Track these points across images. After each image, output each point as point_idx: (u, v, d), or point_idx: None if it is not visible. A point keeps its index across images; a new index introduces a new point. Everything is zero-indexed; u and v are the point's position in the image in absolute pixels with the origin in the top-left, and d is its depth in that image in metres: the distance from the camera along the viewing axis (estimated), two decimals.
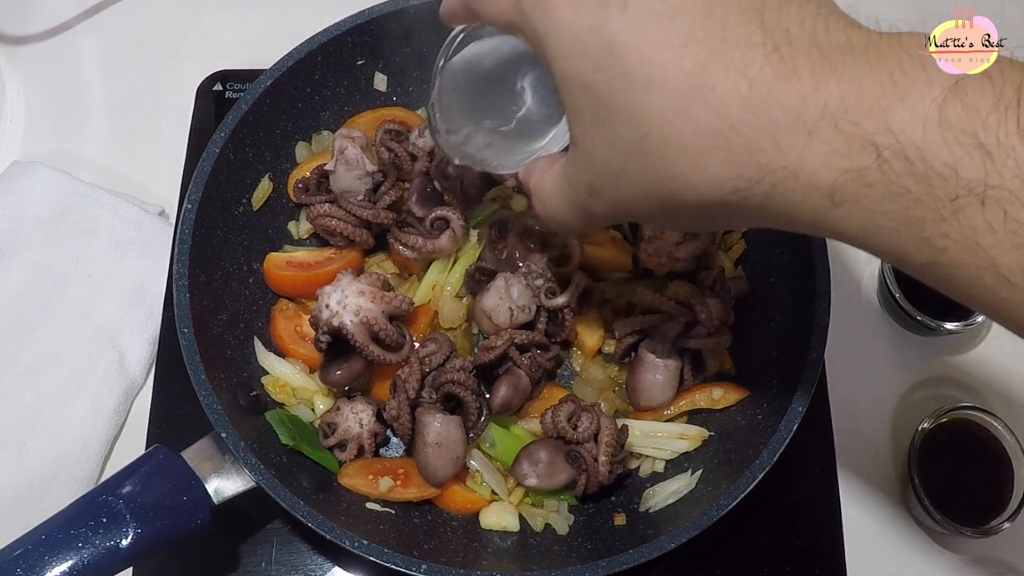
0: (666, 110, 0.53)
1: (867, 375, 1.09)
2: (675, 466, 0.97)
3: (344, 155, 1.00)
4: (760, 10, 0.52)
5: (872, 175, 0.48)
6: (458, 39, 0.76)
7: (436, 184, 1.04)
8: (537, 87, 0.73)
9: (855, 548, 0.98)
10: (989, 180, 0.46)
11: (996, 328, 1.12)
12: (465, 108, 0.79)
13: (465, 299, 1.00)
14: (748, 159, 0.51)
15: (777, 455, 0.85)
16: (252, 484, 0.85)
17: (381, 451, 0.98)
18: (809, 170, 0.50)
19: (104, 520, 0.77)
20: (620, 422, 0.94)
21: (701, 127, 0.52)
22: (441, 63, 0.76)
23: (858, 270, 1.15)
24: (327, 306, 0.91)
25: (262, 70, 1.02)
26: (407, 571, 0.82)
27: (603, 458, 0.90)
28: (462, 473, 0.95)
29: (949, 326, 1.04)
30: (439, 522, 0.94)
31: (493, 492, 0.95)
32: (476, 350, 0.99)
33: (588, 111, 0.57)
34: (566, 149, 0.65)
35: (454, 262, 1.02)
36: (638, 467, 0.98)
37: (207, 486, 0.84)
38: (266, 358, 0.99)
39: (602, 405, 0.97)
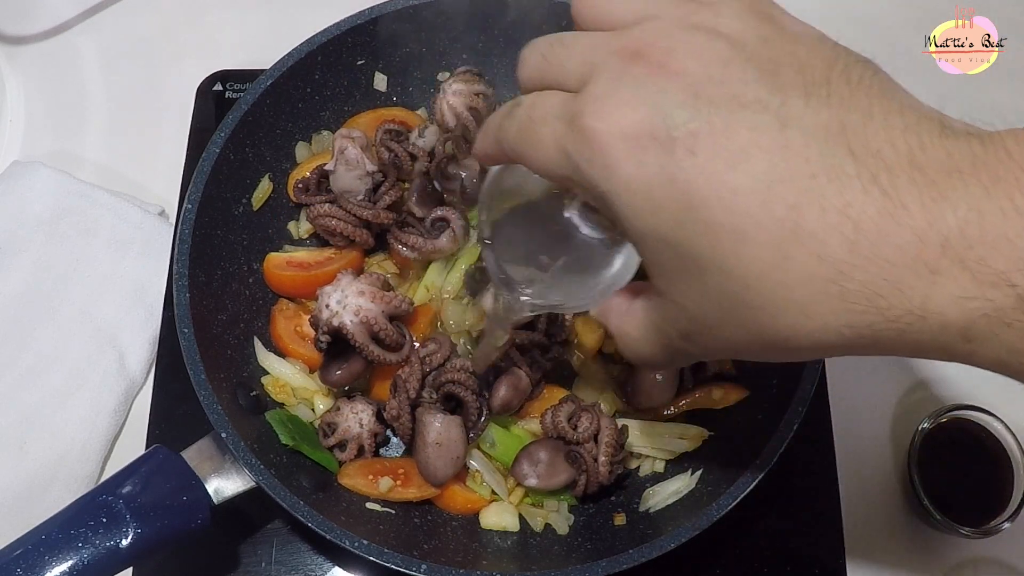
0: (763, 261, 0.48)
1: (867, 375, 1.09)
2: (675, 466, 0.97)
3: (344, 155, 1.00)
4: (842, 132, 0.47)
5: (1010, 315, 0.45)
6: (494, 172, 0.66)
7: (436, 184, 1.04)
8: (587, 210, 0.63)
9: (855, 548, 0.98)
10: None
11: None
12: (516, 249, 0.69)
13: (466, 300, 1.00)
14: (865, 305, 0.46)
15: (777, 455, 0.85)
16: (252, 484, 0.85)
17: (381, 451, 0.98)
18: (937, 311, 0.46)
19: (104, 520, 0.77)
20: (620, 422, 0.94)
21: (806, 275, 0.47)
22: (486, 204, 0.67)
23: None
24: (327, 306, 0.91)
25: (262, 70, 1.02)
26: (407, 571, 0.81)
27: (603, 458, 0.90)
28: (462, 473, 0.95)
29: None
30: (439, 522, 0.94)
31: (493, 492, 0.95)
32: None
33: (673, 266, 0.52)
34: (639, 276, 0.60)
35: (454, 263, 1.02)
36: (638, 467, 0.98)
37: (207, 486, 0.84)
38: (266, 358, 0.99)
39: (602, 405, 0.97)
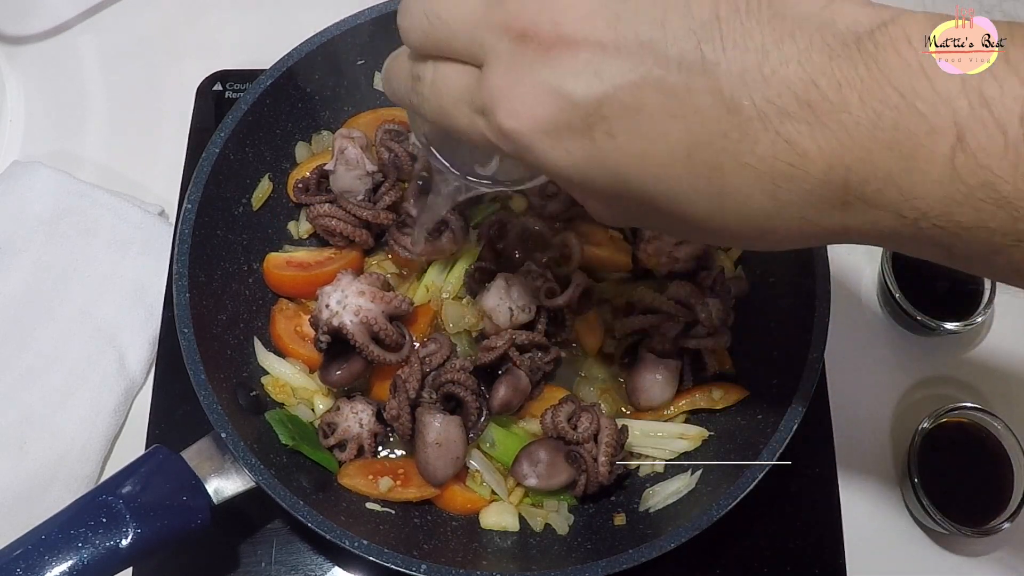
0: (699, 214, 0.53)
1: (867, 375, 1.09)
2: (675, 466, 0.97)
3: (344, 155, 1.00)
4: (743, 82, 0.49)
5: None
6: None
7: None
8: None
9: (855, 548, 0.98)
10: None
11: (996, 328, 1.12)
12: (453, 147, 0.72)
13: (466, 300, 1.00)
14: (800, 222, 0.52)
15: (777, 455, 0.85)
16: (252, 484, 0.85)
17: (380, 449, 0.98)
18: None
19: (104, 520, 0.77)
20: (620, 422, 0.94)
21: (741, 216, 0.52)
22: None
23: (858, 270, 1.15)
24: (327, 306, 0.91)
25: (262, 70, 1.02)
26: (407, 571, 0.82)
27: (603, 458, 0.90)
28: (462, 473, 0.95)
29: (949, 326, 1.04)
30: (439, 522, 0.94)
31: (493, 492, 0.95)
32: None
33: (613, 210, 0.58)
34: None
35: (454, 263, 1.02)
36: (638, 467, 0.98)
37: (207, 486, 0.84)
38: (266, 358, 0.99)
39: (602, 405, 0.97)
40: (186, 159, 1.14)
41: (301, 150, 1.08)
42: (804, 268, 0.93)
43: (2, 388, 1.03)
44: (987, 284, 1.06)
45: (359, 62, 1.08)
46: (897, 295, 1.05)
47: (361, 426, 0.94)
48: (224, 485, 0.85)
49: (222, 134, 0.98)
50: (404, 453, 0.97)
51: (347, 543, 0.82)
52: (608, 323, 1.01)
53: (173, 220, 1.13)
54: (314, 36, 1.03)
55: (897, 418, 1.08)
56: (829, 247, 0.93)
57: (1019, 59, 0.46)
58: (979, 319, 1.04)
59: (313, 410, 0.98)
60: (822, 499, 1.00)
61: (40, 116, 1.24)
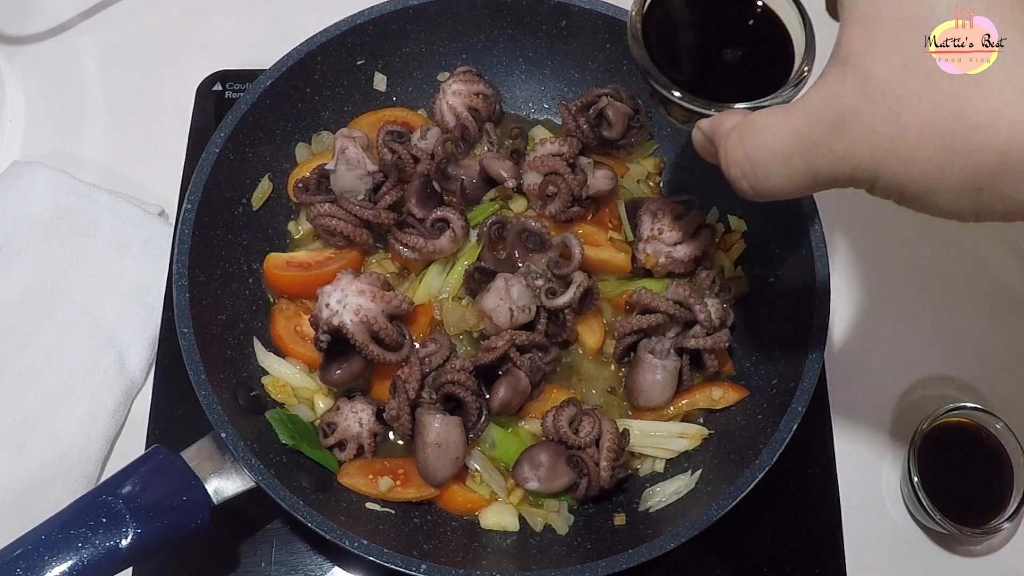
0: (1003, 35, 0.48)
1: (867, 375, 1.09)
2: (675, 466, 0.97)
3: (345, 155, 1.00)
4: None
5: None
6: None
7: (436, 184, 1.04)
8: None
9: (855, 548, 0.98)
10: None
11: (996, 328, 1.12)
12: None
13: (465, 300, 1.00)
14: None
15: (777, 455, 0.85)
16: (252, 484, 0.85)
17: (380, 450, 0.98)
18: None
19: (104, 520, 0.77)
20: (621, 424, 0.94)
21: None
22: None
23: (859, 269, 1.15)
24: (327, 305, 0.91)
25: (262, 70, 1.02)
26: (407, 571, 0.82)
27: (604, 463, 0.90)
28: (462, 473, 0.95)
29: None
30: (439, 522, 0.94)
31: (493, 492, 0.95)
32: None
33: (892, 17, 0.50)
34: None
35: (454, 263, 1.02)
36: (638, 467, 0.98)
37: (207, 486, 0.84)
38: (266, 358, 0.99)
39: (602, 407, 0.97)
40: (186, 159, 1.14)
41: (301, 150, 1.08)
42: (804, 268, 0.93)
43: (2, 388, 1.03)
44: None
45: (359, 62, 1.08)
46: None
47: (361, 426, 0.94)
48: (224, 485, 0.85)
49: (222, 134, 0.98)
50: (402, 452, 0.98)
51: (347, 543, 0.82)
52: (608, 323, 1.01)
53: (173, 220, 1.13)
54: (314, 36, 1.04)
55: (897, 418, 1.08)
56: (828, 246, 0.93)
57: None
58: None
59: (313, 410, 0.98)
60: (822, 499, 1.00)
61: (40, 116, 1.24)
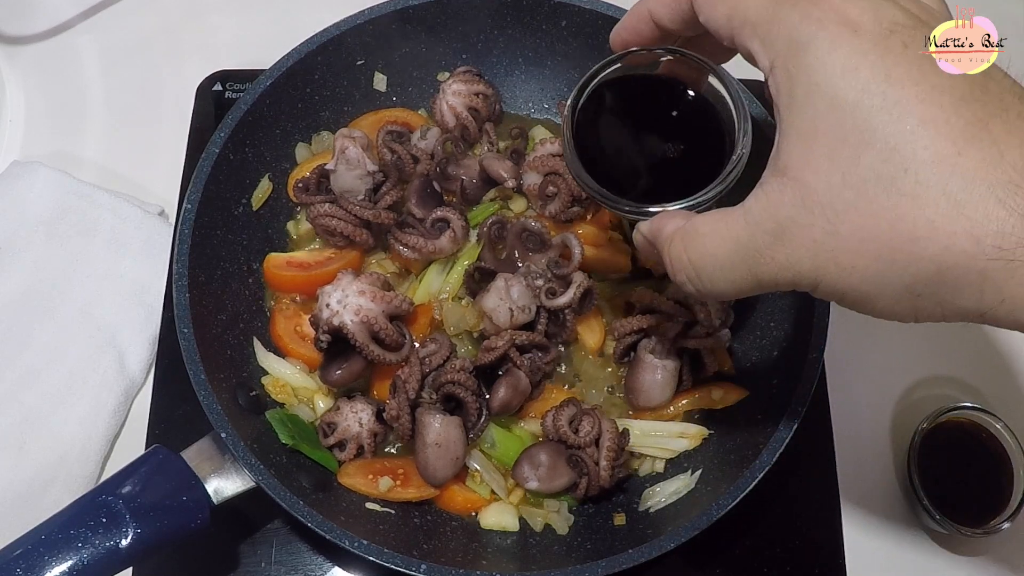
0: (939, 149, 0.49)
1: (867, 375, 1.09)
2: (675, 466, 0.97)
3: (345, 155, 1.00)
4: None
5: None
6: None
7: (436, 184, 1.04)
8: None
9: (855, 548, 0.98)
10: None
11: (996, 328, 1.12)
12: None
13: (465, 300, 1.00)
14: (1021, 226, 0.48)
15: (777, 455, 0.85)
16: (252, 484, 0.85)
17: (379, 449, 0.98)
18: None
19: (104, 520, 0.77)
20: (621, 424, 0.94)
21: (973, 175, 0.48)
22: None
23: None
24: (327, 305, 0.91)
25: (262, 70, 1.02)
26: (407, 571, 0.82)
27: (604, 463, 0.90)
28: (462, 473, 0.95)
29: None
30: (439, 522, 0.94)
31: (493, 492, 0.95)
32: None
33: (829, 133, 0.52)
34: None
35: (454, 263, 1.02)
36: (638, 467, 0.98)
37: (207, 486, 0.84)
38: (266, 358, 0.99)
39: (603, 407, 0.97)
40: (186, 159, 1.14)
41: (301, 150, 1.08)
42: None
43: (2, 388, 1.03)
44: None
45: (359, 62, 1.08)
46: None
47: (361, 426, 0.94)
48: (224, 485, 0.85)
49: (222, 134, 0.98)
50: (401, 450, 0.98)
51: (347, 543, 0.82)
52: (608, 323, 1.01)
53: (173, 220, 1.13)
54: (314, 36, 1.04)
55: (897, 418, 1.08)
56: None
57: None
58: None
59: (313, 410, 0.98)
60: (822, 499, 1.00)
61: (40, 116, 1.24)
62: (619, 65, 0.71)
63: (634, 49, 0.70)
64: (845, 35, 0.52)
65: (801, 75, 0.53)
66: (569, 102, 0.72)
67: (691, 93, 0.71)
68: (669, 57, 0.70)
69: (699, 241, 0.60)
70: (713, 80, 0.69)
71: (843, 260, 0.53)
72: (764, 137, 0.61)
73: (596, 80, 0.71)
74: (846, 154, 0.51)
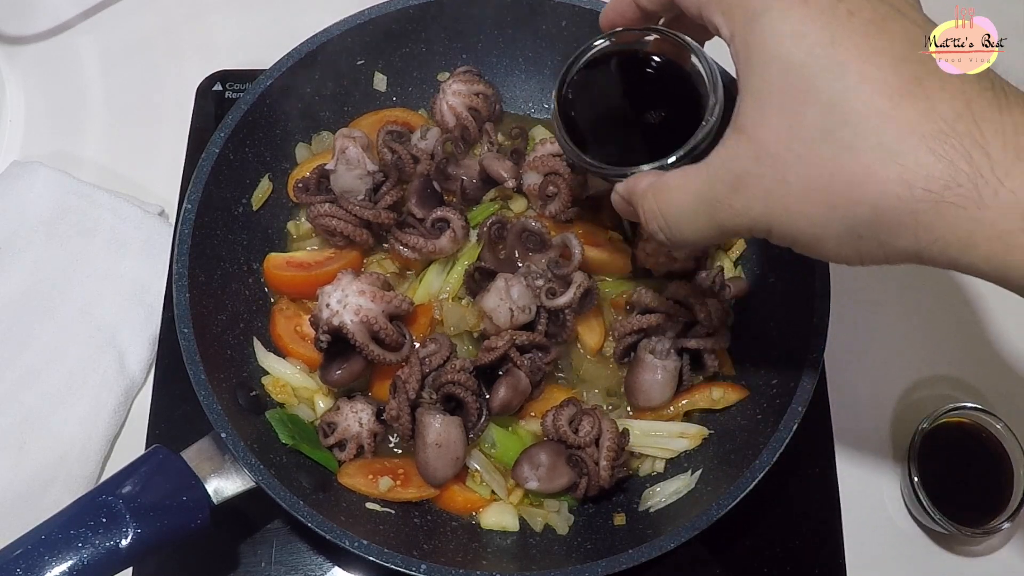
0: (875, 104, 0.54)
1: (867, 375, 1.09)
2: (675, 466, 0.97)
3: (345, 154, 1.00)
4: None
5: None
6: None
7: (436, 184, 1.04)
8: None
9: (855, 548, 0.98)
10: None
11: (996, 328, 1.12)
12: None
13: (465, 300, 1.00)
14: (955, 161, 0.52)
15: (777, 455, 0.85)
16: (252, 484, 0.85)
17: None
18: (1011, 189, 0.51)
19: (104, 520, 0.77)
20: (621, 424, 0.94)
21: (906, 126, 0.53)
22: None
23: (858, 268, 1.15)
24: (327, 305, 0.91)
25: (262, 70, 1.02)
26: (407, 571, 0.82)
27: (604, 463, 0.90)
28: (462, 473, 0.95)
29: None
30: (439, 522, 0.94)
31: (493, 492, 0.95)
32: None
33: (780, 93, 0.57)
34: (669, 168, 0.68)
35: (454, 263, 1.02)
36: (638, 467, 0.98)
37: (207, 486, 0.84)
38: (266, 358, 0.99)
39: (603, 407, 0.97)
40: (186, 159, 1.14)
41: (301, 150, 1.08)
42: (804, 268, 0.93)
43: (2, 388, 1.03)
44: None
45: (359, 62, 1.08)
46: None
47: (361, 425, 0.94)
48: (224, 485, 0.85)
49: (222, 134, 0.98)
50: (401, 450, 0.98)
51: (347, 543, 0.82)
52: (608, 323, 1.01)
53: (173, 220, 1.13)
54: (314, 36, 1.03)
55: (897, 418, 1.08)
56: None
57: None
58: None
59: (313, 410, 0.98)
60: (822, 499, 1.00)
61: (40, 116, 1.24)
62: (607, 43, 0.78)
63: (619, 29, 0.77)
64: (796, 5, 0.57)
65: (756, 42, 0.58)
66: (559, 77, 0.79)
67: (674, 69, 0.77)
68: (655, 36, 0.76)
69: (668, 194, 0.66)
70: (692, 57, 0.74)
71: (792, 206, 0.58)
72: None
73: (586, 57, 0.78)
74: (794, 111, 0.56)
